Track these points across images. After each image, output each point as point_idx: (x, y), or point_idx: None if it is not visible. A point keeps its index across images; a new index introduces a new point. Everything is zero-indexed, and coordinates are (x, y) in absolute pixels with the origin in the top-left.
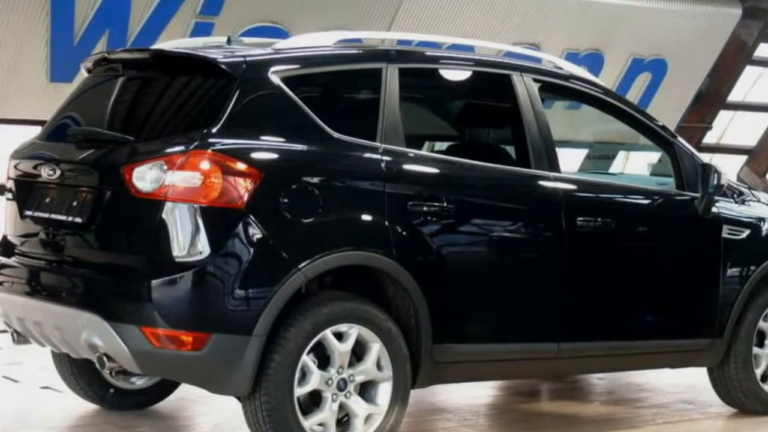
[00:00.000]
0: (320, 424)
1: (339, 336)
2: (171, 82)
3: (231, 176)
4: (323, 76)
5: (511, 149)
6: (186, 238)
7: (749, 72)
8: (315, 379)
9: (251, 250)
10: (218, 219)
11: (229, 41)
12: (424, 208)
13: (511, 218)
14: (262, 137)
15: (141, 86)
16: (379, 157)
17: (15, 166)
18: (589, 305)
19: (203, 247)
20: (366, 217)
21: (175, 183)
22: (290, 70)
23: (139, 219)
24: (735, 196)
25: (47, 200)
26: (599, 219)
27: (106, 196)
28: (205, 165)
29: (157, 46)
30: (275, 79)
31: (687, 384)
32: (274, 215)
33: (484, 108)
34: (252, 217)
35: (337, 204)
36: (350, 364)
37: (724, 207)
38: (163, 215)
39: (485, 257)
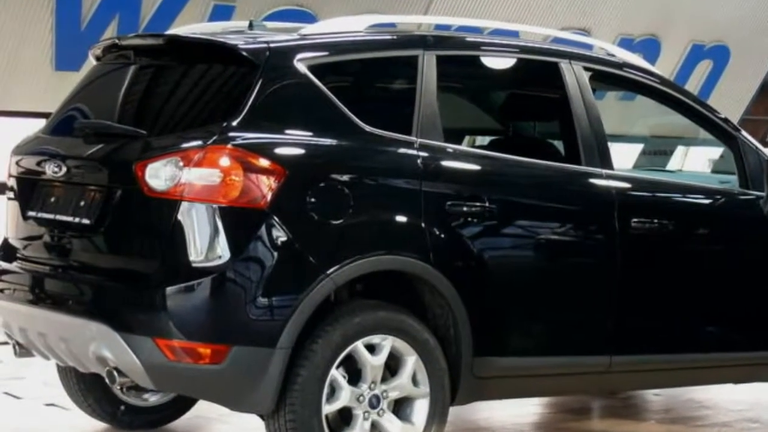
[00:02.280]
0: None
1: (371, 348)
2: (187, 70)
3: (253, 174)
4: (354, 64)
5: (559, 144)
6: (204, 241)
7: None
8: (345, 396)
9: (275, 254)
10: (239, 220)
11: (250, 26)
12: (464, 209)
13: (560, 220)
14: (287, 131)
15: (154, 75)
16: (414, 152)
17: (17, 163)
18: (644, 315)
19: (222, 251)
20: (400, 219)
21: (191, 181)
22: (318, 58)
23: (153, 220)
24: None
25: (52, 200)
26: (656, 220)
27: (117, 196)
28: (224, 161)
29: (172, 31)
30: (301, 68)
31: (751, 401)
32: (299, 216)
33: (529, 99)
34: (276, 218)
35: (368, 204)
36: (383, 379)
37: None
38: (179, 216)
39: (531, 262)
